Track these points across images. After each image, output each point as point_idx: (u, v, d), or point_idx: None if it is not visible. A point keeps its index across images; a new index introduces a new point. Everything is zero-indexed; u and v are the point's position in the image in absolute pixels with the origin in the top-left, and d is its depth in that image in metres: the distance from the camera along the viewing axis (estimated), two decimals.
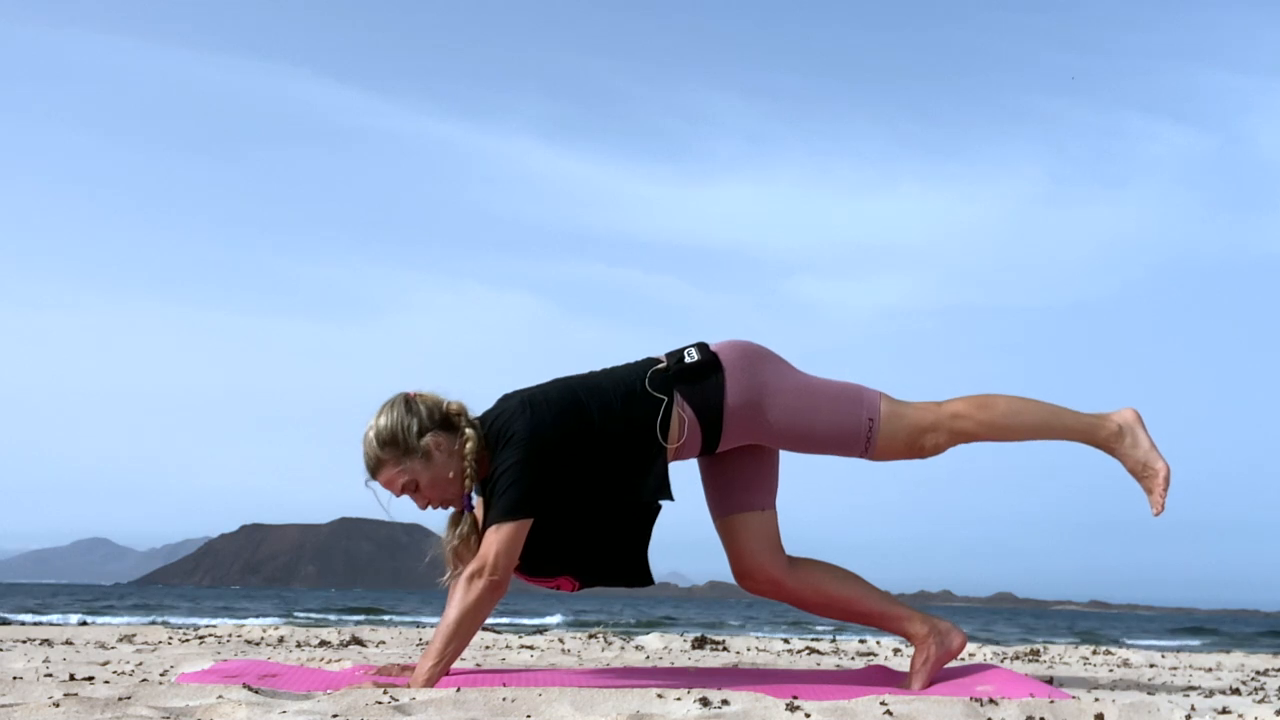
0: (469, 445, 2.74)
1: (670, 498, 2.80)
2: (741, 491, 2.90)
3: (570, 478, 2.74)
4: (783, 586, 2.90)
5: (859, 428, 2.82)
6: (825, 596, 2.92)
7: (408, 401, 2.76)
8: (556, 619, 24.09)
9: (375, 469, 2.75)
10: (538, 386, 2.81)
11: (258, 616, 22.85)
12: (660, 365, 2.83)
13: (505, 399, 2.80)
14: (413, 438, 2.71)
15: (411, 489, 2.74)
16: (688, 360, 2.81)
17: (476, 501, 2.82)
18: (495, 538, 2.66)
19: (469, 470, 2.73)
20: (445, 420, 2.76)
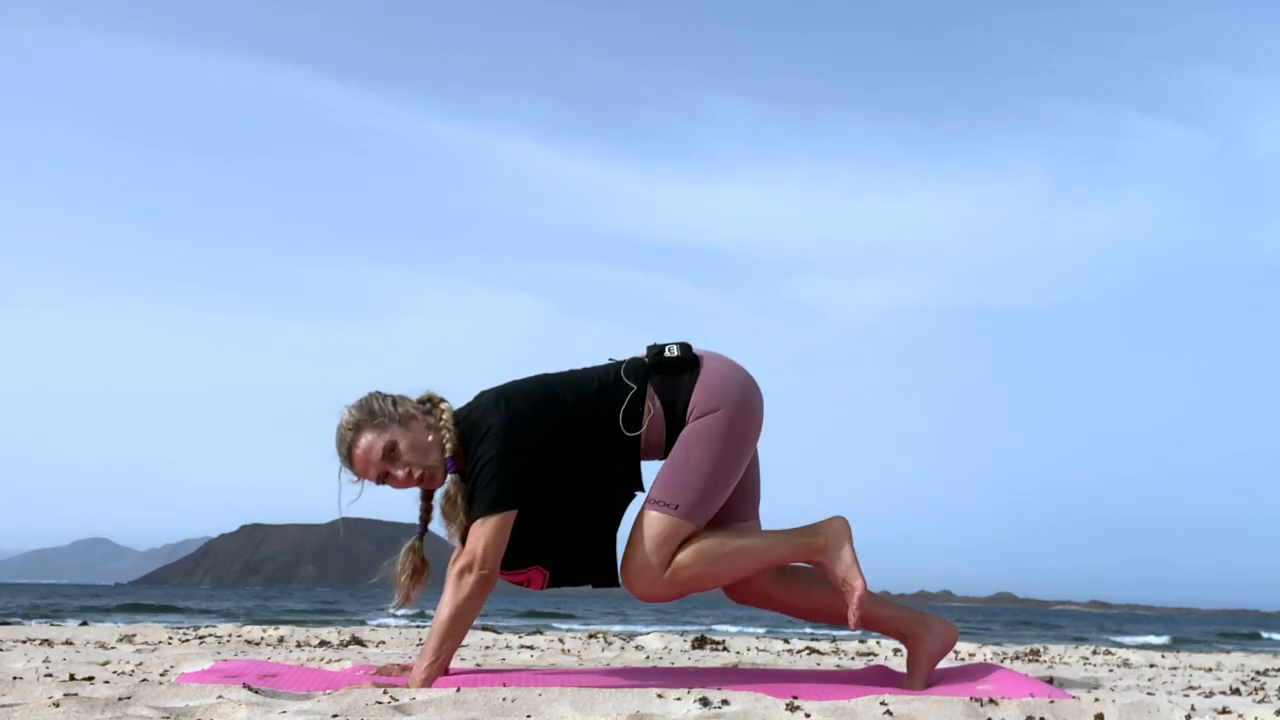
0: (445, 414, 2.77)
1: (641, 489, 2.80)
2: (725, 505, 2.86)
3: (548, 470, 2.74)
4: (771, 597, 2.91)
5: (669, 503, 2.73)
6: (815, 603, 2.92)
7: (377, 391, 2.81)
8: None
9: (354, 437, 2.74)
10: (513, 382, 2.82)
11: (256, 617, 22.82)
12: (639, 357, 2.85)
13: (480, 395, 2.81)
14: (389, 405, 2.77)
15: (390, 454, 2.72)
16: (667, 354, 2.82)
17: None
18: (481, 531, 2.66)
19: (448, 435, 2.74)
20: (418, 401, 2.83)
